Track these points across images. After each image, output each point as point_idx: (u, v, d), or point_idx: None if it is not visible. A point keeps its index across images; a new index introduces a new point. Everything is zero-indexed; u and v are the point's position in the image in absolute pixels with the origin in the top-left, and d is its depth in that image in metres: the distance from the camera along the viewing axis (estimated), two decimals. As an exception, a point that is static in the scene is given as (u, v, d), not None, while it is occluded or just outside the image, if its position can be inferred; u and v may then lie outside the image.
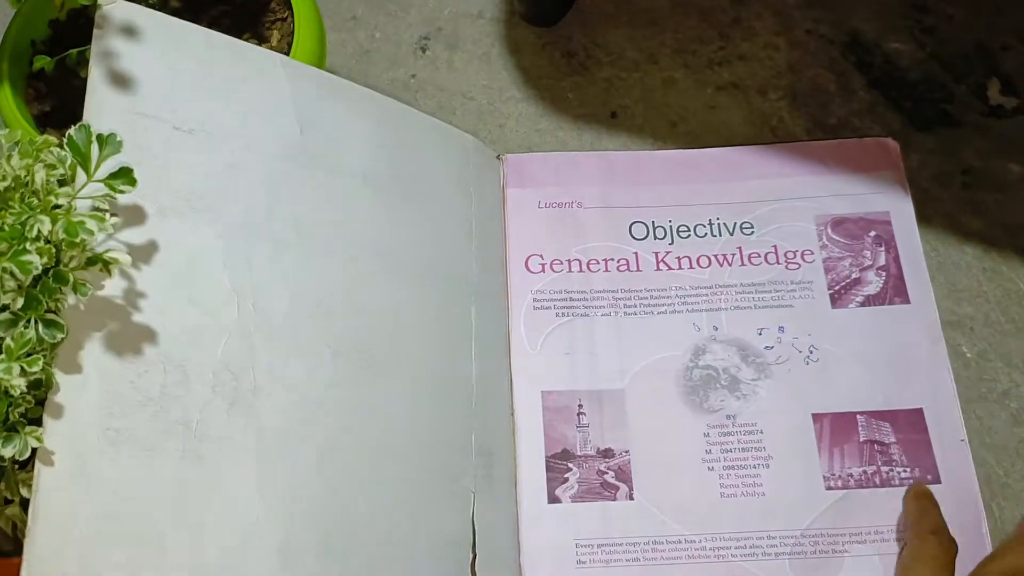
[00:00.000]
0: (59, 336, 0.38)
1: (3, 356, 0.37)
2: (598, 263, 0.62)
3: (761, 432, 0.57)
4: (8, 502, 0.41)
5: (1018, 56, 0.69)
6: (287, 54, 0.57)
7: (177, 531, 0.43)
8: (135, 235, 0.45)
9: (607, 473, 0.57)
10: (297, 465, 0.47)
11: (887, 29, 0.71)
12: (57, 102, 0.57)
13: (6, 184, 0.38)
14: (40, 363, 0.37)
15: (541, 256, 0.62)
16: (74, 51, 0.55)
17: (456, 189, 0.61)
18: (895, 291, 0.61)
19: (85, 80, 0.56)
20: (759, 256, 0.62)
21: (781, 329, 0.60)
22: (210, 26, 0.58)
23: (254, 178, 0.51)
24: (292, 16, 0.58)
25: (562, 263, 0.62)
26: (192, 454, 0.44)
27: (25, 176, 0.39)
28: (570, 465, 0.57)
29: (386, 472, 0.51)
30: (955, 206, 0.64)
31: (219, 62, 0.52)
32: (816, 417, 0.58)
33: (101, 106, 0.46)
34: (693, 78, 0.70)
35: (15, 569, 0.43)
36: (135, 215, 0.46)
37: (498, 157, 0.65)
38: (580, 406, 0.58)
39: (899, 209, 0.63)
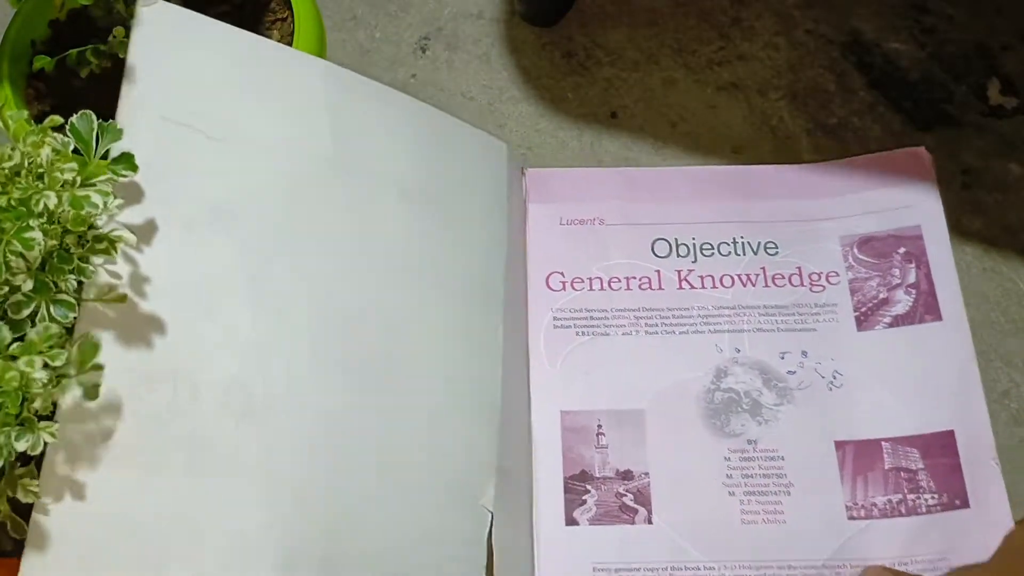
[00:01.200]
0: (71, 316, 0.38)
1: (17, 348, 0.37)
2: (620, 281, 0.61)
3: (783, 458, 0.56)
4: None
5: (1018, 56, 0.69)
6: (287, 54, 0.57)
7: (178, 544, 0.42)
8: (157, 247, 0.45)
9: (626, 496, 0.56)
10: (306, 480, 0.46)
11: (887, 29, 0.71)
12: (57, 102, 0.57)
13: (13, 163, 0.38)
14: (63, 357, 0.37)
15: (562, 274, 0.61)
16: (74, 51, 0.55)
17: (493, 201, 0.59)
18: (926, 309, 0.59)
19: (85, 80, 0.56)
20: (783, 277, 0.61)
21: (804, 353, 0.59)
22: (210, 26, 0.58)
23: (281, 188, 0.50)
24: (292, 16, 0.58)
25: (583, 281, 0.61)
26: (197, 468, 0.43)
27: (32, 155, 0.39)
28: (588, 487, 0.56)
29: (401, 489, 0.49)
30: (955, 206, 0.64)
31: (257, 66, 0.51)
32: (839, 445, 0.56)
33: (133, 111, 0.46)
34: (693, 78, 0.70)
35: (14, 569, 0.43)
36: (156, 226, 0.45)
37: (521, 171, 0.64)
38: (599, 426, 0.57)
39: (931, 222, 0.61)
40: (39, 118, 0.56)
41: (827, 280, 0.61)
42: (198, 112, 0.48)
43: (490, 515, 0.52)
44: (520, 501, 0.54)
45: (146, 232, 0.44)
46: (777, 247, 0.62)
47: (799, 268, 0.61)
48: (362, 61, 0.72)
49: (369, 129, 0.54)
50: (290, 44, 0.57)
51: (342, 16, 0.73)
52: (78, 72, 0.56)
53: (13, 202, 0.37)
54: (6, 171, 0.38)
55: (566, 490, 0.56)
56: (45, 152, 0.39)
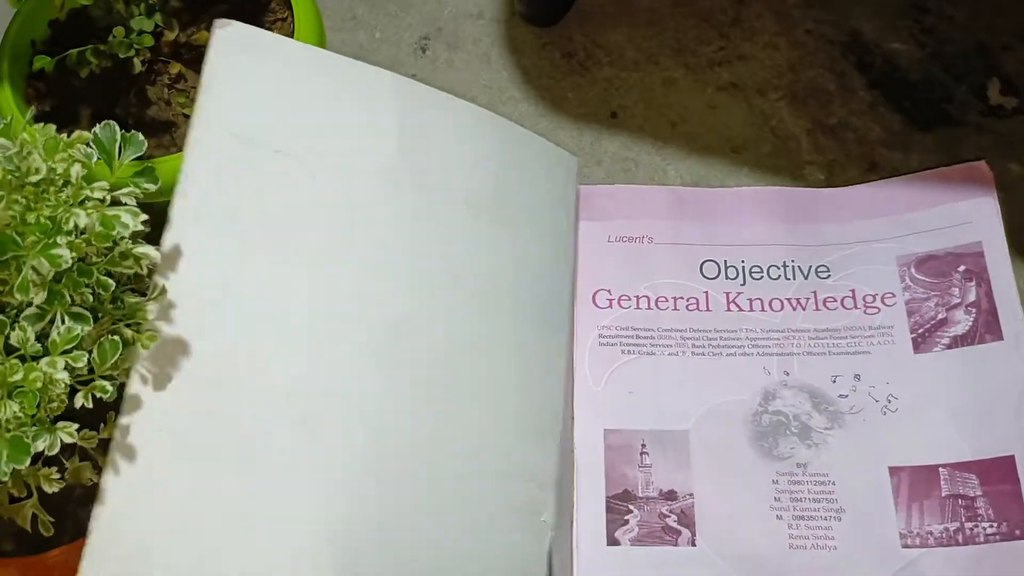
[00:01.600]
0: (85, 328, 0.38)
1: (30, 348, 0.37)
2: (667, 300, 0.60)
3: (833, 483, 0.55)
4: (15, 500, 0.41)
5: (1018, 56, 0.69)
6: (288, 54, 0.57)
7: (233, 544, 0.43)
8: (221, 257, 0.47)
9: (669, 516, 0.55)
10: (362, 490, 0.47)
11: (887, 29, 0.71)
12: (57, 102, 0.57)
13: (40, 177, 0.38)
14: (85, 359, 0.38)
15: (609, 291, 0.61)
16: (74, 51, 0.55)
17: (561, 214, 0.59)
18: (986, 328, 0.57)
19: (85, 80, 0.56)
20: (835, 301, 0.60)
21: (857, 377, 0.57)
22: (210, 26, 0.59)
23: (344, 201, 0.51)
24: (292, 16, 0.58)
25: (630, 299, 0.61)
26: (254, 471, 0.44)
27: (60, 171, 0.39)
28: (631, 507, 0.55)
29: (459, 503, 0.49)
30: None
31: (326, 82, 0.52)
32: (893, 470, 0.54)
33: (203, 129, 0.48)
34: (693, 78, 0.70)
35: (19, 568, 0.43)
36: (222, 236, 0.47)
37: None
38: (643, 446, 0.56)
39: (992, 238, 0.60)
40: (39, 118, 0.56)
41: (882, 302, 0.59)
42: (266, 128, 0.49)
43: (550, 532, 0.51)
44: (563, 519, 0.54)
45: (211, 242, 0.47)
46: (829, 271, 0.61)
47: (852, 291, 0.60)
48: (362, 61, 0.71)
49: (437, 140, 0.55)
50: (290, 44, 0.57)
51: (342, 16, 0.73)
52: (78, 72, 0.56)
53: (42, 219, 0.37)
54: (33, 185, 0.38)
55: (608, 509, 0.55)
56: (76, 169, 0.39)
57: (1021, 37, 0.70)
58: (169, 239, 0.46)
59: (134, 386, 0.43)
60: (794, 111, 0.68)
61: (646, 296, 0.61)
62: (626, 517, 0.55)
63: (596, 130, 0.68)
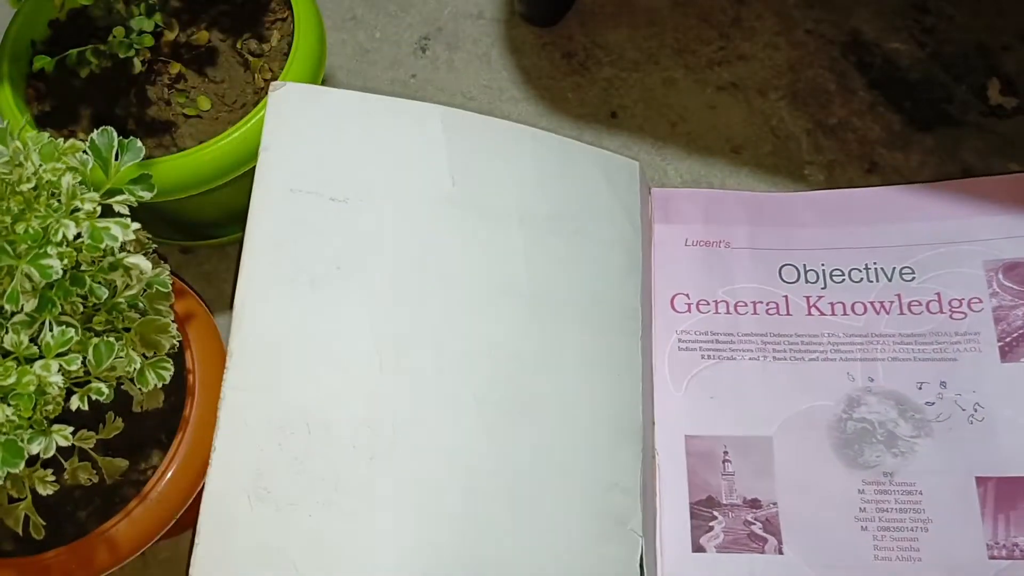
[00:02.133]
0: (75, 338, 0.38)
1: (24, 351, 0.37)
2: (746, 305, 0.60)
3: (920, 493, 0.54)
4: (14, 500, 0.41)
5: (1018, 56, 0.69)
6: (287, 54, 0.57)
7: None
8: (287, 303, 0.50)
9: (755, 524, 0.54)
10: (439, 513, 0.48)
11: (887, 29, 0.71)
12: (57, 102, 0.57)
13: (31, 186, 0.38)
14: (78, 362, 0.38)
15: (687, 295, 0.60)
16: (74, 51, 0.55)
17: (625, 222, 0.59)
18: None
19: (85, 80, 0.56)
20: (920, 304, 0.59)
21: (943, 384, 0.56)
22: (210, 26, 0.59)
23: (403, 236, 0.52)
24: (292, 16, 0.58)
25: (708, 304, 0.60)
26: (332, 506, 0.46)
27: (52, 179, 0.39)
28: (715, 513, 0.54)
29: (547, 518, 0.49)
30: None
31: (377, 126, 0.55)
32: (980, 480, 0.53)
33: (265, 187, 0.52)
34: (693, 78, 0.70)
35: (18, 569, 0.43)
36: (287, 284, 0.50)
37: (648, 190, 0.63)
38: (725, 452, 0.56)
39: None
40: (39, 118, 0.56)
41: (969, 307, 0.58)
42: (323, 179, 0.53)
43: (640, 540, 0.51)
44: (647, 526, 0.53)
45: (283, 291, 0.50)
46: (914, 272, 0.60)
47: (938, 294, 0.59)
48: (362, 61, 0.72)
49: (488, 165, 0.56)
50: (290, 44, 0.57)
51: (342, 16, 0.73)
52: (78, 72, 0.56)
53: (31, 229, 0.37)
54: (24, 194, 0.38)
55: (692, 516, 0.54)
56: (67, 179, 0.39)
57: (1021, 37, 0.70)
58: (241, 293, 0.50)
59: (219, 432, 0.46)
60: (794, 111, 0.68)
61: (724, 301, 0.60)
62: (710, 524, 0.54)
63: (596, 130, 0.68)
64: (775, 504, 0.54)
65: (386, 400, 0.49)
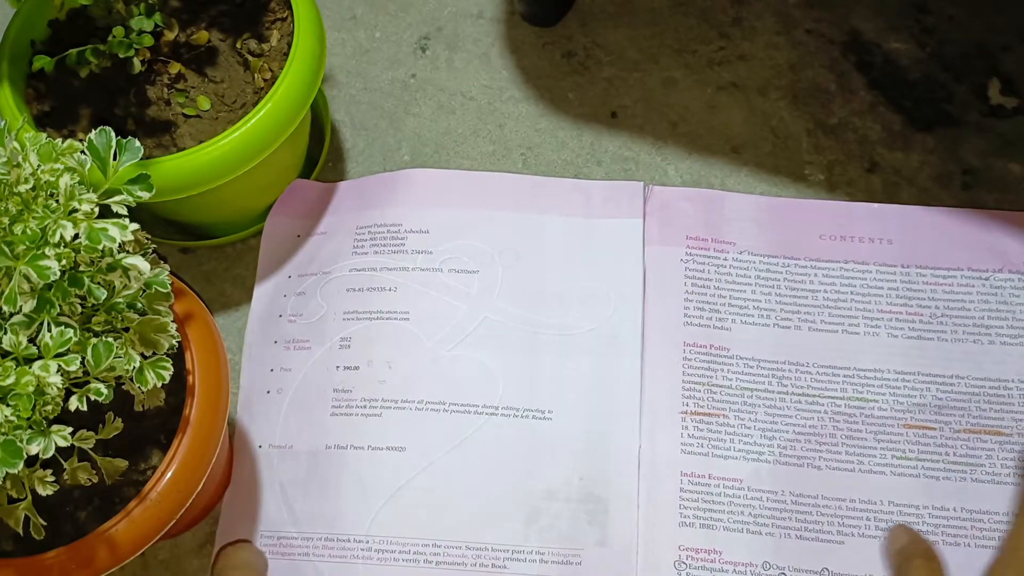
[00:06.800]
0: (73, 339, 0.38)
1: (23, 351, 0.37)
2: None
3: None
4: (14, 500, 0.41)
5: (1018, 56, 0.69)
6: (287, 54, 0.57)
7: None
8: None
9: None
10: None
11: (887, 29, 0.71)
12: (57, 102, 0.57)
13: (29, 186, 0.38)
14: (78, 362, 0.38)
15: None
16: (74, 51, 0.55)
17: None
18: None
19: (85, 80, 0.56)
20: None
21: None
22: (210, 26, 0.59)
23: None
24: (292, 16, 0.58)
25: None
26: None
27: (50, 180, 0.38)
28: None
29: None
30: (954, 206, 0.64)
31: None
32: None
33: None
34: (693, 78, 0.70)
35: (17, 569, 0.43)
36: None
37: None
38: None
39: None
40: (39, 118, 0.56)
41: None
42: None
43: None
44: None
45: None
46: None
47: None
48: (362, 61, 0.72)
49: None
50: (290, 44, 0.57)
51: (342, 16, 0.73)
52: (78, 72, 0.56)
53: (29, 230, 0.37)
54: (22, 195, 0.38)
55: None
56: (65, 180, 0.39)
57: (1021, 37, 0.70)
58: None
59: None
60: (794, 111, 0.68)
61: None
62: None
63: (596, 130, 0.68)
64: None
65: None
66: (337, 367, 0.60)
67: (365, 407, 0.58)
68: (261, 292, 0.63)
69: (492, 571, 0.54)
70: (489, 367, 0.59)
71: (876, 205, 0.63)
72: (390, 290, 0.61)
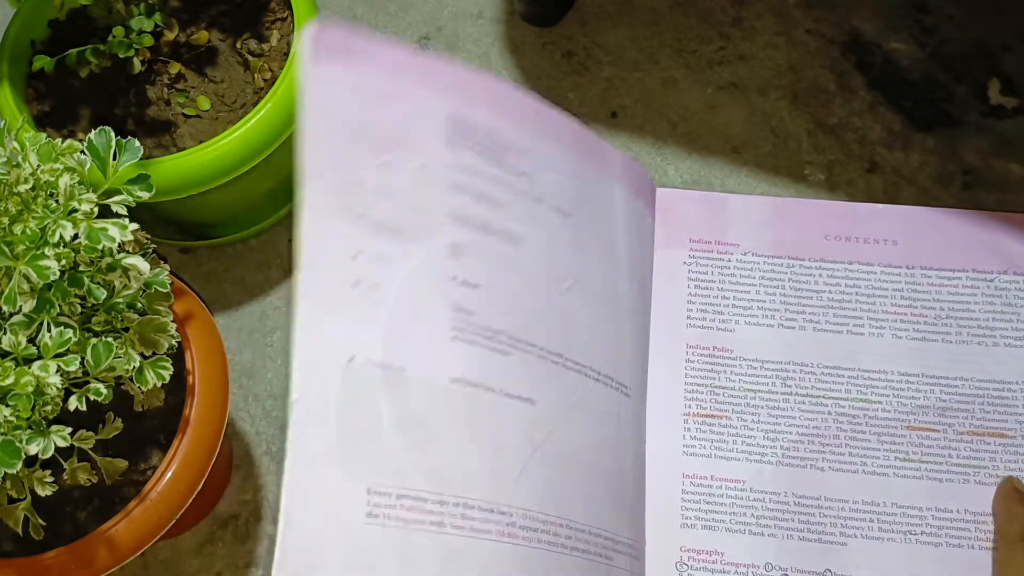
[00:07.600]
0: (73, 339, 0.38)
1: (22, 351, 0.37)
2: None
3: None
4: (13, 501, 0.41)
5: (1018, 56, 0.69)
6: (287, 54, 0.57)
7: None
8: None
9: None
10: None
11: (887, 29, 0.71)
12: (57, 102, 0.57)
13: (29, 186, 0.38)
14: (77, 362, 0.38)
15: None
16: (74, 51, 0.55)
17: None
18: None
19: (85, 80, 0.56)
20: None
21: None
22: (210, 26, 0.59)
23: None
24: (292, 16, 0.58)
25: None
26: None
27: (50, 180, 0.39)
28: None
29: None
30: (955, 207, 0.64)
31: None
32: None
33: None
34: (693, 78, 0.70)
35: (17, 569, 0.43)
36: None
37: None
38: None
39: None
40: (39, 118, 0.56)
41: None
42: None
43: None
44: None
45: None
46: None
47: None
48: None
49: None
50: (290, 44, 0.57)
51: (342, 16, 0.73)
52: (78, 72, 0.56)
53: (29, 230, 0.37)
54: (21, 195, 0.38)
55: None
56: (64, 180, 0.39)
57: (1021, 37, 0.70)
58: None
59: None
60: (794, 111, 0.68)
61: None
62: None
63: (596, 130, 0.68)
64: None
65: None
66: (454, 278, 0.47)
67: (491, 339, 0.47)
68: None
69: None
70: None
71: (880, 206, 0.63)
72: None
